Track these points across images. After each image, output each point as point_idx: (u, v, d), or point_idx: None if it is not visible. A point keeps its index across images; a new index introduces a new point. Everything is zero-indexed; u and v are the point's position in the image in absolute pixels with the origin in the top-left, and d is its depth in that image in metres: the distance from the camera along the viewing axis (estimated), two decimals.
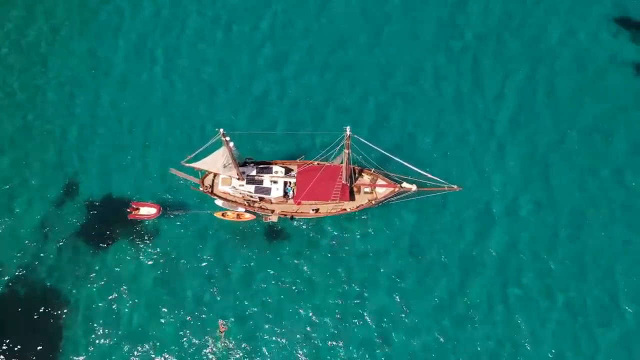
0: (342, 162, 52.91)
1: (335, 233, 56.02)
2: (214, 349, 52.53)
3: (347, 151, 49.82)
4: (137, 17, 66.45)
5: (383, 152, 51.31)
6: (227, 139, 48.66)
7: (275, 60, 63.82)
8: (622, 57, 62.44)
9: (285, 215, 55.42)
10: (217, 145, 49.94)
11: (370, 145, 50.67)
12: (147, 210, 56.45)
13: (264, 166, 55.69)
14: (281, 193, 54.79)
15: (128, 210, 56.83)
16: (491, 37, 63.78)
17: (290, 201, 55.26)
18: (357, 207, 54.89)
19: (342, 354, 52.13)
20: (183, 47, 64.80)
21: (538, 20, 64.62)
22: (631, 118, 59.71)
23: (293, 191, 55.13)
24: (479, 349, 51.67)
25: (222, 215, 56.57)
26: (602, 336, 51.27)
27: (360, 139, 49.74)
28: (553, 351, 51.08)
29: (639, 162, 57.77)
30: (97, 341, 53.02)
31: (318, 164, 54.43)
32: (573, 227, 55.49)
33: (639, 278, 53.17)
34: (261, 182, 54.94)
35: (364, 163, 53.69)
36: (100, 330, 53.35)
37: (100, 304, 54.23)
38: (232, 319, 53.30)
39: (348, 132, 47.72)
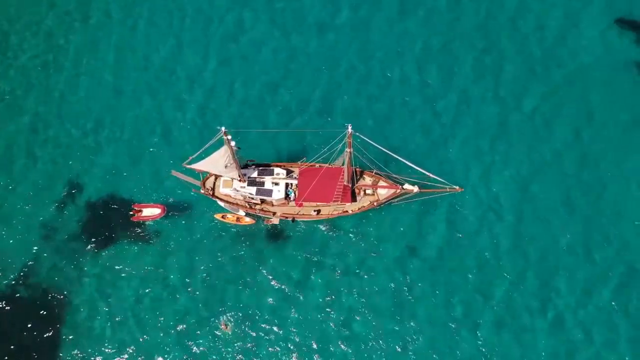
0: (343, 164, 52.97)
1: (336, 235, 55.80)
2: (217, 348, 52.14)
3: (348, 150, 49.82)
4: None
5: (384, 150, 51.29)
6: (229, 137, 48.63)
7: (275, 60, 64.17)
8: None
9: (287, 217, 55.18)
10: (219, 145, 49.89)
11: (372, 143, 50.59)
12: (151, 211, 56.28)
13: (265, 168, 55.64)
14: (282, 195, 54.63)
15: (130, 212, 56.67)
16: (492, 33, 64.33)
17: (292, 203, 55.07)
18: (359, 208, 54.71)
19: (347, 353, 51.69)
20: (182, 49, 65.05)
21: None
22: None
23: (294, 193, 54.96)
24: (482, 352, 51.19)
25: (222, 217, 56.41)
26: None
27: (362, 136, 49.74)
28: None
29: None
30: (97, 342, 52.68)
31: (319, 165, 54.44)
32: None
33: None
34: (262, 184, 54.85)
35: (366, 163, 53.63)
36: (102, 331, 53.01)
37: (101, 305, 53.96)
38: (234, 319, 53.02)
39: (350, 130, 47.78)
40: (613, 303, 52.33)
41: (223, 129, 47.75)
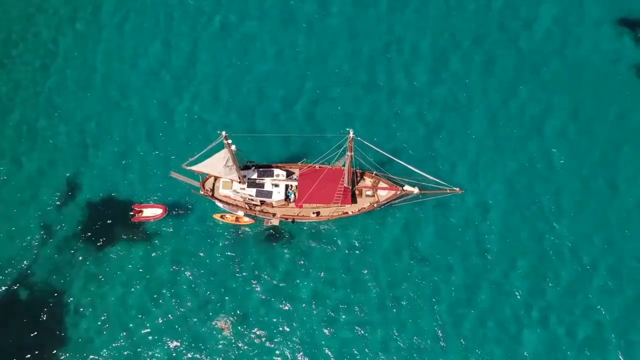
0: (344, 165, 52.93)
1: (336, 236, 55.99)
2: (217, 348, 52.52)
3: (349, 154, 49.73)
4: None
5: (385, 154, 51.34)
6: (229, 141, 48.42)
7: (274, 61, 63.80)
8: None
9: (287, 218, 55.23)
10: (220, 147, 49.73)
11: (373, 147, 50.56)
12: (152, 212, 56.21)
13: (266, 169, 55.50)
14: (282, 196, 54.58)
15: (131, 213, 56.61)
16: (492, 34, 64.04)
17: (292, 205, 55.07)
18: (359, 210, 54.79)
19: (346, 352, 52.23)
20: (186, 51, 64.54)
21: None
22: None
23: (294, 194, 54.93)
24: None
25: (221, 217, 56.43)
26: None
27: (363, 141, 49.69)
28: None
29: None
30: (98, 342, 52.88)
31: (320, 167, 54.38)
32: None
33: None
34: (262, 185, 54.76)
35: (366, 165, 53.62)
36: (102, 332, 53.16)
37: (100, 306, 54.04)
38: (234, 319, 53.36)
39: (351, 135, 47.68)
40: (599, 306, 53.12)
41: (224, 133, 47.57)
